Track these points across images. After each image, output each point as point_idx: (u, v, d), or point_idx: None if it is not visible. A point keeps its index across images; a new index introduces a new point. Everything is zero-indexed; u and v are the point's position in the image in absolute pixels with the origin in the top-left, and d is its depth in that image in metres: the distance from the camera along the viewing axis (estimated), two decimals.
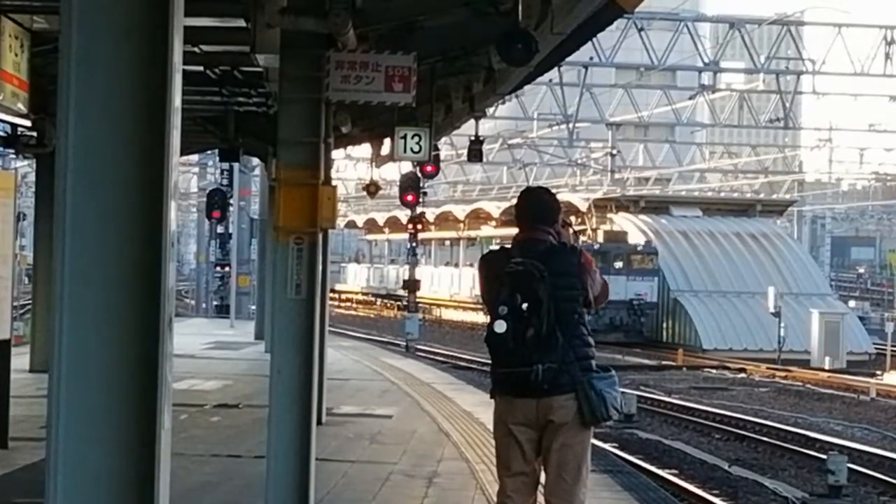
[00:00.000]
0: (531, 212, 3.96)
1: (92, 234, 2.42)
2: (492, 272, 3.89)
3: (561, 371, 3.80)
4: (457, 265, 36.04)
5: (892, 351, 24.18)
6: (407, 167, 14.96)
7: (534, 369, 3.77)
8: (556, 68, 20.80)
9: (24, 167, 28.50)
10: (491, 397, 4.01)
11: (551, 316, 3.77)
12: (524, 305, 3.74)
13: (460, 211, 38.09)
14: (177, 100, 2.49)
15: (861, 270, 55.45)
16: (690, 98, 28.42)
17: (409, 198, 15.47)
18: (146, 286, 2.43)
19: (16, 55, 6.44)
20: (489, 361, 4.04)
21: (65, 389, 2.41)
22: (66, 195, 2.43)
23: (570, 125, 27.78)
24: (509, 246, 4.02)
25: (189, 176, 41.17)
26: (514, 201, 4.16)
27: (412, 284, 24.95)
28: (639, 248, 27.26)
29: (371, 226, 45.75)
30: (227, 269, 26.81)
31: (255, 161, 21.42)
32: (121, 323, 2.42)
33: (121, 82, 2.43)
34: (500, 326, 3.75)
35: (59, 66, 2.46)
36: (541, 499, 3.98)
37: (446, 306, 36.73)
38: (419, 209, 23.12)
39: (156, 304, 2.44)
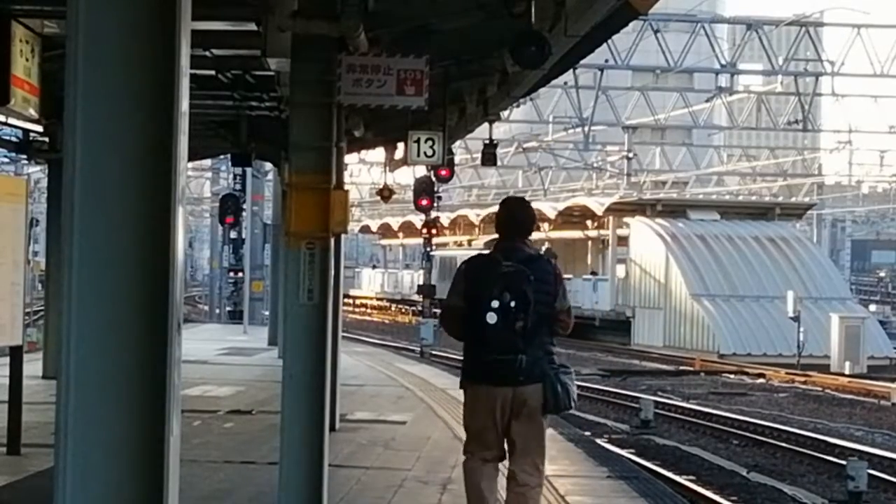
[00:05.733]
0: (513, 225, 4.54)
1: (100, 239, 2.39)
2: (480, 273, 4.40)
3: (535, 363, 4.37)
4: None
5: None
6: (421, 171, 14.87)
7: (519, 358, 4.32)
8: (571, 71, 20.74)
9: (37, 173, 28.63)
10: (461, 387, 4.49)
11: (534, 314, 4.31)
12: (512, 303, 4.29)
13: (475, 215, 38.02)
14: (184, 104, 2.46)
15: (882, 274, 54.97)
16: (708, 100, 28.27)
17: (424, 202, 15.35)
18: (154, 292, 2.39)
19: (27, 60, 6.42)
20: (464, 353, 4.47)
21: (73, 396, 2.38)
22: (73, 201, 2.40)
23: (586, 128, 27.68)
24: (490, 251, 4.56)
25: (202, 181, 41.27)
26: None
27: (427, 289, 24.87)
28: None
29: (385, 230, 45.77)
30: (240, 274, 26.82)
31: (268, 166, 21.43)
32: (129, 329, 2.39)
33: (128, 86, 2.39)
34: (492, 318, 4.29)
35: (65, 70, 2.42)
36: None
37: None
38: (434, 213, 23.04)
39: (164, 310, 2.40)
